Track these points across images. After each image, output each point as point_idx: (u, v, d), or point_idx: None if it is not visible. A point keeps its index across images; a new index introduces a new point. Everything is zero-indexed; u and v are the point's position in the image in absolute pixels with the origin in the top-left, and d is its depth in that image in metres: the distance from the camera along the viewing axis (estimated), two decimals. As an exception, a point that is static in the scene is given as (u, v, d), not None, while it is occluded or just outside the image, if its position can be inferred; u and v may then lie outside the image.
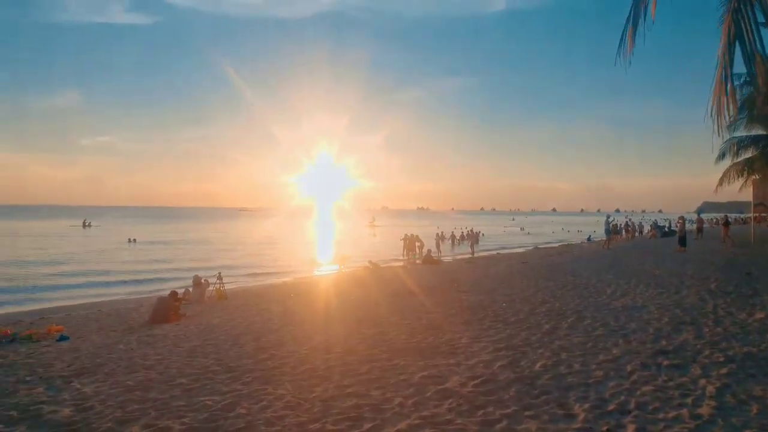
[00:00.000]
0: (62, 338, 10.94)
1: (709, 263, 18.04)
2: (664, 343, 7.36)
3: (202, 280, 17.60)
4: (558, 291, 13.10)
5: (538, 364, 6.49)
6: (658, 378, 5.80)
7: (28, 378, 7.28)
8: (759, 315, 9.00)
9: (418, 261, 30.71)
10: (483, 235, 59.38)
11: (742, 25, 6.00)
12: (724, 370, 5.97)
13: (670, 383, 5.61)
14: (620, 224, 48.99)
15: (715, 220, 68.52)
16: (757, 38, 6.03)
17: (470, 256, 33.98)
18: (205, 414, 5.26)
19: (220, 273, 18.37)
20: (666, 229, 47.69)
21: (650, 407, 4.94)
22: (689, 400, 5.09)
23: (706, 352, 6.78)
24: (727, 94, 5.50)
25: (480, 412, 4.99)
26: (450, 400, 5.34)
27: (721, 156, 29.73)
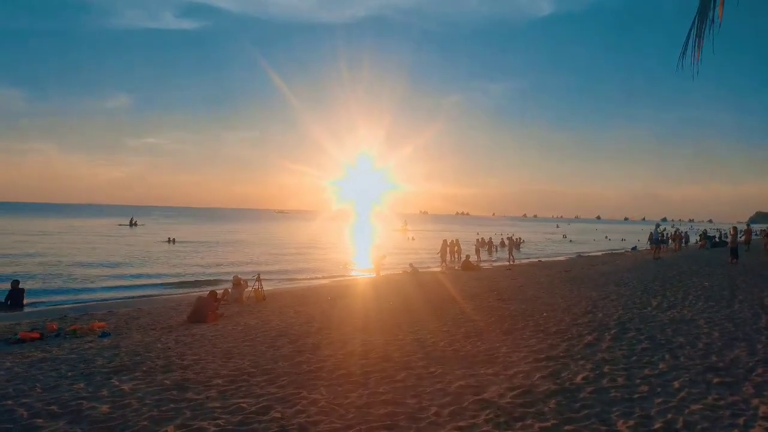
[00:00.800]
0: (104, 335, 11.21)
1: (763, 276, 17.26)
2: (714, 359, 7.03)
3: (242, 281, 17.80)
4: (601, 301, 12.73)
5: (580, 377, 6.27)
6: (707, 396, 5.52)
7: (69, 373, 7.45)
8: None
9: (456, 267, 30.40)
10: (524, 241, 58.53)
11: None
12: (780, 390, 5.64)
13: (721, 402, 5.33)
14: (667, 233, 47.54)
15: (765, 231, 65.77)
16: None
17: (509, 263, 33.44)
18: (239, 416, 5.24)
19: (259, 274, 18.56)
20: (716, 240, 46.02)
21: (699, 427, 4.69)
22: (740, 421, 4.83)
23: (759, 370, 6.43)
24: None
25: (518, 424, 4.83)
26: (487, 411, 5.19)
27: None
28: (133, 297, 20.77)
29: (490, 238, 51.15)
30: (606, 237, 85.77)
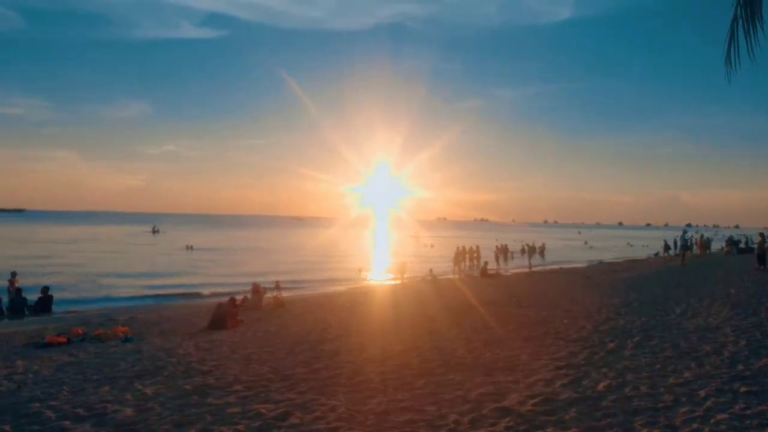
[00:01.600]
0: (127, 339, 11.38)
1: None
2: (741, 367, 6.88)
3: (261, 288, 17.91)
4: (623, 308, 12.56)
5: (602, 385, 6.18)
6: (734, 405, 5.39)
7: (95, 377, 7.57)
8: None
9: (475, 274, 30.22)
10: (546, 248, 57.69)
11: None
12: (809, 400, 5.50)
13: (748, 411, 5.21)
14: (691, 239, 46.77)
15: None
16: None
17: (529, 270, 33.17)
18: (258, 422, 5.27)
19: (278, 281, 18.66)
20: (742, 245, 45.13)
21: (726, 437, 4.59)
22: (769, 431, 4.70)
23: (789, 380, 6.27)
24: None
25: (539, 434, 4.77)
26: (508, 419, 5.14)
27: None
28: (154, 303, 20.99)
29: (506, 245, 50.59)
30: (628, 243, 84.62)
